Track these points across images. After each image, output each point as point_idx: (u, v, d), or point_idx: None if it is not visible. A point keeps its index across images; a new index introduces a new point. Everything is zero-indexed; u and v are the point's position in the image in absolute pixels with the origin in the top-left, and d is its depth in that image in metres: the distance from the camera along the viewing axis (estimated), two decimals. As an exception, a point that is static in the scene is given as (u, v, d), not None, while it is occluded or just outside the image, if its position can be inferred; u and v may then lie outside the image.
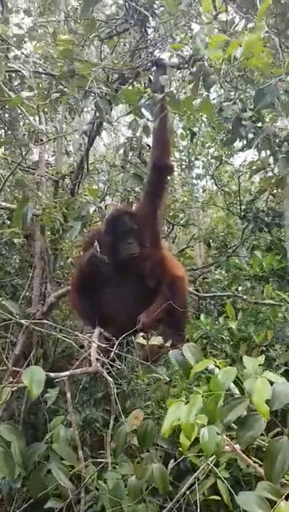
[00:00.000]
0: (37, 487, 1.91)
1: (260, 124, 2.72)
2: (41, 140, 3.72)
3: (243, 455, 1.72)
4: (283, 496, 1.32)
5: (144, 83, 3.21)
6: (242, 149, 4.15)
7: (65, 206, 3.47)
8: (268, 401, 1.46)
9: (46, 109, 3.91)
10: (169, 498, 2.49)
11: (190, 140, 5.25)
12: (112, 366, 2.45)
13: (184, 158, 5.89)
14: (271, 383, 1.51)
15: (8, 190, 4.61)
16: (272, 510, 1.28)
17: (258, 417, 1.47)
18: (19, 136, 4.08)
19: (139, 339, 2.41)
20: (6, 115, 4.27)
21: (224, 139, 4.72)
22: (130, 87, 3.25)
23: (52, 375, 2.10)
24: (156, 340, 2.33)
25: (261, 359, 1.73)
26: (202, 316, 3.78)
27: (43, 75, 3.31)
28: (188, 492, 1.93)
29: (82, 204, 3.06)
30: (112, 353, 2.46)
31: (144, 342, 2.36)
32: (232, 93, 2.79)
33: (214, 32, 2.21)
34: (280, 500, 1.29)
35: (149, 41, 2.98)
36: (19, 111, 3.97)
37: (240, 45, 2.01)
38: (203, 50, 2.15)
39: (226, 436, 1.74)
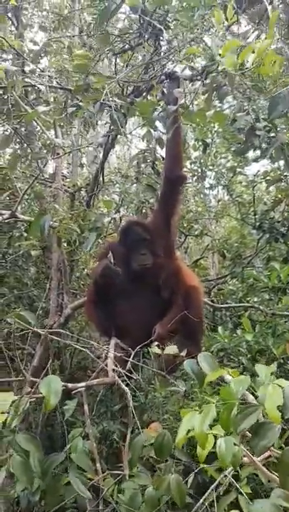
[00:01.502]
0: (54, 499, 1.91)
1: (273, 134, 2.73)
2: (57, 153, 3.78)
3: (261, 466, 1.69)
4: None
5: (156, 96, 3.25)
6: (256, 160, 4.16)
7: (81, 218, 3.51)
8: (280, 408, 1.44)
9: (62, 123, 3.98)
10: (188, 511, 2.46)
11: (203, 151, 5.28)
12: (129, 378, 2.45)
13: (195, 168, 5.91)
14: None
15: (26, 203, 4.68)
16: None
17: (272, 426, 1.46)
18: (35, 149, 4.16)
19: (154, 348, 2.40)
20: (23, 129, 4.36)
21: (236, 149, 4.73)
22: (144, 100, 3.30)
23: (69, 385, 2.11)
24: (172, 349, 2.33)
25: (273, 367, 1.72)
26: (220, 329, 3.75)
27: (59, 89, 3.38)
28: (206, 504, 1.90)
29: (98, 216, 3.09)
30: (129, 364, 2.46)
31: (159, 351, 2.35)
32: (245, 104, 2.81)
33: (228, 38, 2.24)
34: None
35: (162, 54, 3.03)
36: (35, 124, 4.06)
37: (253, 52, 2.03)
38: (217, 57, 2.18)
39: (245, 448, 1.72)
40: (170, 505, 2.19)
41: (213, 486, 1.82)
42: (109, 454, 3.72)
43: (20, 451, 1.71)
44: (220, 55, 2.18)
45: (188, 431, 1.60)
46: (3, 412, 1.85)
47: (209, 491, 1.81)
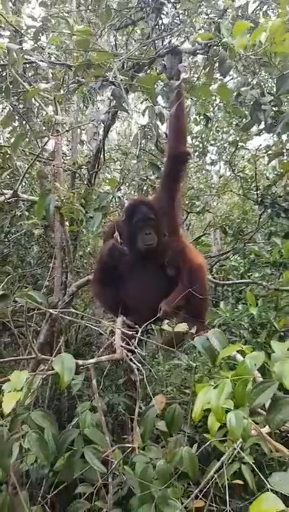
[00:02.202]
0: (71, 472, 1.97)
1: (278, 109, 2.69)
2: (57, 131, 3.73)
3: (271, 440, 1.75)
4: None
5: (156, 69, 3.19)
6: (258, 133, 4.12)
7: (82, 197, 3.49)
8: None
9: (61, 100, 3.92)
10: (191, 482, 2.54)
11: (205, 125, 5.22)
12: (133, 353, 2.50)
13: (197, 144, 5.85)
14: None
15: (27, 181, 4.65)
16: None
17: (288, 401, 1.50)
18: (35, 127, 4.10)
19: (165, 326, 2.44)
20: (21, 106, 4.29)
21: (240, 124, 4.68)
22: (145, 74, 3.24)
23: (80, 362, 2.14)
24: (182, 327, 2.36)
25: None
26: (222, 304, 3.79)
27: (58, 65, 3.31)
28: (216, 476, 1.97)
29: (101, 195, 3.08)
30: (136, 340, 2.51)
31: (169, 329, 2.39)
32: (249, 78, 2.76)
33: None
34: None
35: (164, 28, 2.95)
36: (33, 101, 3.99)
37: (265, 31, 1.99)
38: (228, 38, 2.13)
39: (252, 420, 1.77)
40: (177, 476, 2.27)
41: (223, 458, 1.88)
42: (115, 425, 3.82)
43: (36, 427, 1.76)
44: (231, 36, 2.13)
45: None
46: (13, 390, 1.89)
47: (219, 463, 1.87)
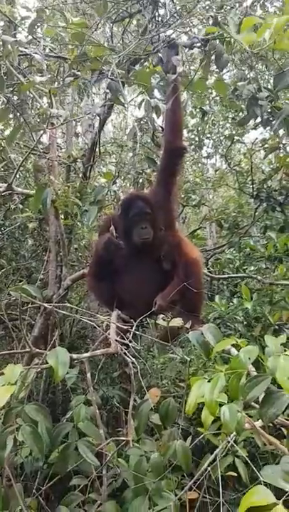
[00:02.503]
0: (65, 465, 1.99)
1: (275, 104, 2.69)
2: (52, 124, 3.71)
3: (264, 433, 1.76)
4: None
5: (152, 62, 3.17)
6: (255, 127, 4.11)
7: (78, 190, 3.48)
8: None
9: (56, 92, 3.89)
10: (185, 474, 2.57)
11: (201, 119, 5.20)
12: (129, 347, 2.51)
13: (193, 137, 5.84)
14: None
15: (21, 174, 4.62)
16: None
17: (281, 395, 1.51)
18: (29, 119, 4.07)
19: (160, 321, 2.45)
20: (15, 97, 4.25)
21: (236, 117, 4.67)
22: (142, 68, 3.21)
23: (74, 356, 2.15)
24: (176, 321, 2.37)
25: (283, 338, 1.77)
26: (217, 298, 3.81)
27: (53, 58, 3.28)
28: (209, 468, 1.99)
29: (97, 188, 3.07)
30: (131, 334, 2.51)
31: (164, 323, 2.40)
32: (246, 72, 2.75)
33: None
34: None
35: (161, 21, 2.93)
36: (28, 93, 3.95)
37: (269, 28, 1.97)
38: (234, 34, 2.12)
39: (246, 414, 1.79)
40: (171, 468, 2.30)
41: (217, 451, 1.90)
42: (110, 418, 3.85)
43: (30, 421, 1.77)
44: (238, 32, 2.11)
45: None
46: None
47: (212, 456, 1.88)
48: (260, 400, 1.58)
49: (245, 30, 2.04)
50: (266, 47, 2.02)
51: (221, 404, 1.62)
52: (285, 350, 1.54)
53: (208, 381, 1.60)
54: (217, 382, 1.56)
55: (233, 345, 2.00)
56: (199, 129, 5.66)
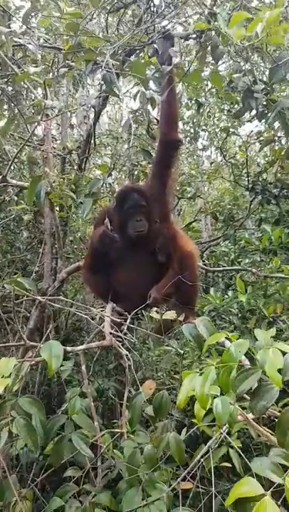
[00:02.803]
0: (59, 457, 2.00)
1: (271, 97, 2.67)
2: (47, 115, 3.68)
3: (256, 425, 1.78)
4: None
5: (148, 52, 3.14)
6: (250, 120, 4.10)
7: (73, 182, 3.46)
8: (279, 371, 1.51)
9: (50, 83, 3.85)
10: (180, 465, 2.60)
11: (196, 110, 5.18)
12: (124, 339, 2.52)
13: (188, 129, 5.81)
14: (283, 354, 1.56)
15: (16, 166, 4.59)
16: (284, 474, 1.34)
17: (270, 387, 1.52)
18: (24, 110, 4.04)
19: (153, 314, 2.46)
20: (9, 88, 4.21)
21: (232, 110, 4.65)
22: (137, 59, 3.19)
23: (68, 349, 2.16)
24: (170, 314, 2.38)
25: (273, 331, 1.78)
26: (212, 290, 3.82)
27: (48, 48, 3.25)
28: (202, 460, 2.01)
29: (92, 181, 3.05)
30: (126, 327, 2.52)
31: (157, 316, 2.41)
32: (242, 64, 2.74)
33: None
34: (293, 465, 1.35)
35: (156, 11, 2.90)
36: (23, 83, 3.91)
37: (261, 22, 1.96)
38: (225, 29, 2.10)
39: (238, 406, 1.80)
40: (165, 459, 2.32)
41: (210, 443, 1.92)
42: (106, 410, 3.87)
43: (23, 414, 1.78)
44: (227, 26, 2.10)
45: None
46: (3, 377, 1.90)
47: (206, 447, 1.90)
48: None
49: (234, 24, 2.03)
50: (258, 41, 2.01)
51: (215, 397, 1.64)
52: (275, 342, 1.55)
53: (200, 374, 1.61)
54: (208, 375, 1.57)
55: (227, 338, 2.02)
56: (195, 120, 5.64)
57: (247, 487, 1.30)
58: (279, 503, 1.29)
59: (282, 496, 1.31)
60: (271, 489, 1.31)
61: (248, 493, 1.27)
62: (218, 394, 1.64)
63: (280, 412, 1.83)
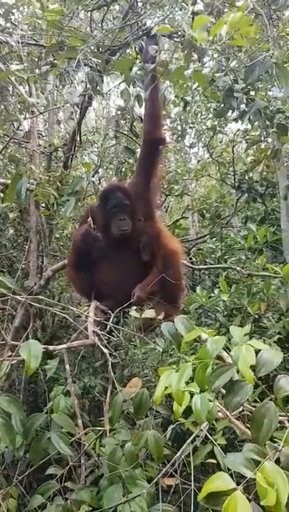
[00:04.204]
0: (38, 454, 2.01)
1: (252, 94, 2.69)
2: (32, 112, 3.66)
3: (235, 421, 1.80)
4: (268, 456, 1.41)
5: (135, 48, 3.12)
6: (235, 119, 4.11)
7: (58, 180, 3.45)
8: (254, 368, 1.53)
9: (36, 79, 3.84)
10: (167, 461, 2.62)
11: (183, 108, 5.17)
12: (109, 338, 2.53)
13: (176, 126, 5.81)
14: (259, 351, 1.58)
15: (1, 163, 4.56)
16: (256, 469, 1.36)
17: (244, 384, 1.54)
18: (9, 107, 4.01)
19: (133, 312, 2.47)
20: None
21: (218, 108, 4.66)
22: (121, 57, 3.18)
23: (50, 348, 2.16)
24: (149, 313, 2.40)
25: (248, 328, 1.80)
26: (198, 289, 3.84)
27: (31, 45, 3.23)
28: (182, 457, 2.03)
29: (76, 179, 3.05)
30: (109, 326, 2.53)
31: (137, 315, 2.42)
32: (224, 63, 2.75)
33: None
34: (264, 460, 1.37)
35: (139, 10, 2.90)
36: (8, 79, 3.88)
37: (225, 24, 1.98)
38: (188, 31, 2.11)
39: (219, 403, 1.82)
40: (149, 456, 2.34)
41: (189, 440, 1.94)
42: (92, 407, 3.88)
43: (2, 413, 1.78)
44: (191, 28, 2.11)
45: (166, 388, 1.70)
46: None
47: (185, 445, 1.92)
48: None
49: (197, 28, 2.04)
50: (222, 43, 2.03)
51: (192, 394, 1.65)
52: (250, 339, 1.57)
53: (176, 371, 1.63)
54: (184, 372, 1.59)
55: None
56: (182, 117, 5.63)
57: (219, 481, 1.32)
58: (250, 497, 1.32)
59: (255, 490, 1.33)
60: (243, 483, 1.33)
61: (220, 488, 1.29)
62: (197, 391, 1.66)
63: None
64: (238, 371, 1.55)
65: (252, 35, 2.00)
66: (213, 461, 2.92)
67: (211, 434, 2.28)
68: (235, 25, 1.92)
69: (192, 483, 1.87)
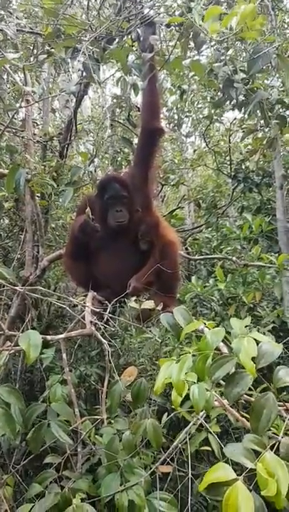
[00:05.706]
0: (38, 443, 2.03)
1: (252, 83, 2.67)
2: (27, 101, 3.62)
3: (232, 410, 1.83)
4: (268, 447, 1.43)
5: (132, 37, 3.09)
6: (232, 109, 4.10)
7: (54, 170, 3.43)
8: (254, 359, 1.55)
9: (32, 68, 3.79)
10: (162, 449, 2.66)
11: (179, 97, 5.14)
12: (105, 327, 2.54)
13: (172, 115, 5.77)
14: (258, 342, 1.60)
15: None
16: (256, 459, 1.39)
17: (244, 375, 1.56)
18: (4, 95, 3.97)
19: (132, 303, 2.48)
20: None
21: (215, 97, 4.64)
22: (118, 45, 3.14)
23: (48, 337, 2.17)
24: (148, 304, 2.41)
25: (248, 320, 1.82)
26: (193, 279, 3.86)
27: (27, 33, 3.18)
28: (180, 445, 2.06)
29: (73, 169, 3.03)
30: (106, 315, 2.54)
31: (136, 306, 2.43)
32: (222, 53, 2.72)
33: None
34: (264, 451, 1.39)
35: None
36: (2, 67, 3.83)
37: (236, 16, 1.96)
38: (199, 22, 2.09)
39: (216, 392, 1.85)
40: (145, 444, 2.37)
41: (187, 429, 1.96)
42: (88, 395, 3.91)
43: (2, 403, 1.79)
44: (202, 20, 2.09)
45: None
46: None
47: (183, 433, 1.95)
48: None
49: (209, 19, 2.02)
50: (233, 35, 2.01)
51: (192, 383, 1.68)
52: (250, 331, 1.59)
53: (177, 362, 1.65)
54: (185, 363, 1.61)
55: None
56: (178, 106, 5.59)
57: (220, 472, 1.34)
58: (251, 487, 1.34)
59: (255, 480, 1.35)
60: (244, 474, 1.36)
61: (221, 478, 1.32)
62: (195, 381, 1.68)
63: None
64: (237, 362, 1.57)
65: (257, 27, 1.98)
66: (208, 448, 2.97)
67: (206, 422, 2.32)
68: (246, 16, 1.90)
69: (189, 471, 1.90)
